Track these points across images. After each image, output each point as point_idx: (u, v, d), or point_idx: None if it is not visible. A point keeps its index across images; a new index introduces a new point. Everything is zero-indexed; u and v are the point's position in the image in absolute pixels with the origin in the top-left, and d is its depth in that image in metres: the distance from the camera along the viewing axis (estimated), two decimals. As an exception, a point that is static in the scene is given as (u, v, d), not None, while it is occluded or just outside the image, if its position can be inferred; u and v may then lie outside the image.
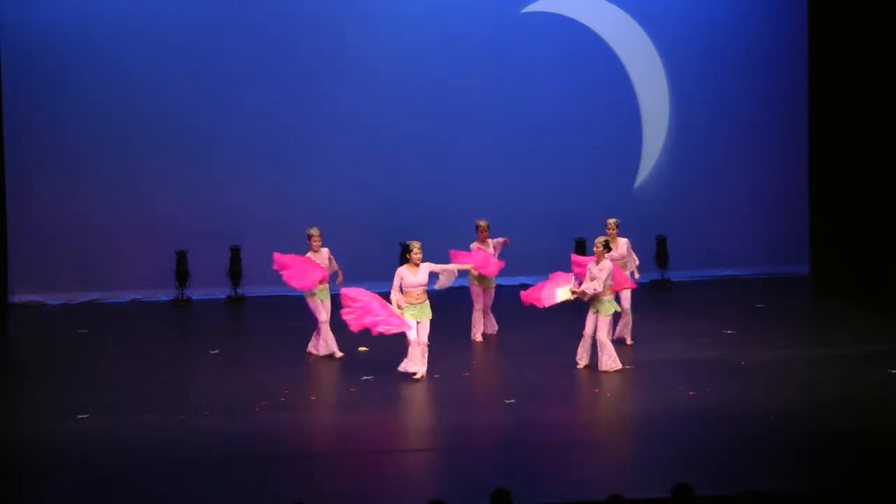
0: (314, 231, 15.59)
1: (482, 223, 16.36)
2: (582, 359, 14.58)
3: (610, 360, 14.39)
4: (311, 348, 15.61)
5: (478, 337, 16.33)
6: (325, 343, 15.46)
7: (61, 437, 12.25)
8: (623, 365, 14.52)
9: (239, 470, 11.23)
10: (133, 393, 13.86)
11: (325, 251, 15.60)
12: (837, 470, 10.87)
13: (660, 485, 9.90)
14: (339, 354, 15.37)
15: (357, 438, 12.56)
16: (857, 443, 11.68)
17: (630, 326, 15.65)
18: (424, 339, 14.32)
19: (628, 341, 15.58)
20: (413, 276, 14.27)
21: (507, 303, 16.77)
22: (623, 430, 12.47)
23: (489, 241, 16.35)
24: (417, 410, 13.49)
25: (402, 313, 14.18)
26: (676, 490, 8.58)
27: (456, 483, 10.89)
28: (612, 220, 15.71)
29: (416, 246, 14.39)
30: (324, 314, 15.44)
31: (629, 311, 15.57)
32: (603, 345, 14.40)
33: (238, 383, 14.25)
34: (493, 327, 16.58)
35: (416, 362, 14.23)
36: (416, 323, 14.27)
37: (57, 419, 12.85)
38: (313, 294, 15.42)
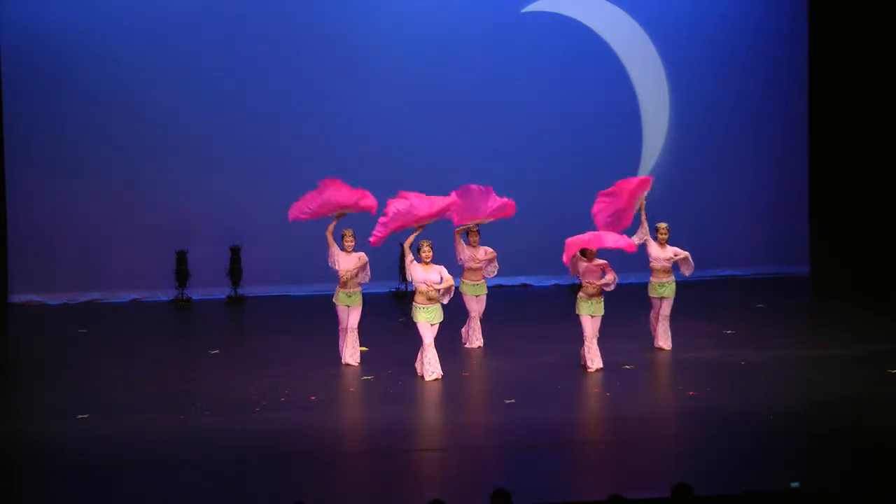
0: (348, 231, 15.02)
1: (473, 227, 15.83)
2: (594, 362, 14.54)
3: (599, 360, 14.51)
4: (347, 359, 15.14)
5: (474, 345, 15.93)
6: (344, 349, 15.02)
7: (61, 437, 12.25)
8: (623, 365, 14.54)
9: (239, 470, 11.22)
10: (133, 393, 13.86)
11: (355, 255, 14.96)
12: (837, 470, 10.87)
13: (660, 485, 9.90)
14: (353, 363, 14.94)
15: (357, 438, 12.57)
16: (857, 443, 11.68)
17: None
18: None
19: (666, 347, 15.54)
20: (424, 273, 14.25)
21: (507, 302, 16.74)
22: (623, 430, 12.46)
23: (480, 247, 15.83)
24: (417, 411, 13.48)
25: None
26: (676, 490, 8.58)
27: (456, 483, 10.89)
28: (662, 225, 15.62)
29: (425, 245, 14.34)
30: (344, 321, 14.95)
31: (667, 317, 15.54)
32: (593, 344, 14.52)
33: (238, 383, 14.24)
34: (479, 341, 15.98)
35: (436, 365, 14.20)
36: (430, 325, 14.25)
37: (57, 419, 12.84)
38: (349, 295, 14.91)
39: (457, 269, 15.65)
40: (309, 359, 15.41)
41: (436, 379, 14.13)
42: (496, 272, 15.99)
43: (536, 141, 20.68)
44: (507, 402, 13.28)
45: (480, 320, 16.00)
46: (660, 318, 15.47)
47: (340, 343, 15.13)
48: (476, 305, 15.94)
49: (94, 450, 11.87)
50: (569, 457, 11.60)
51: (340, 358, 15.05)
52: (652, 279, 15.52)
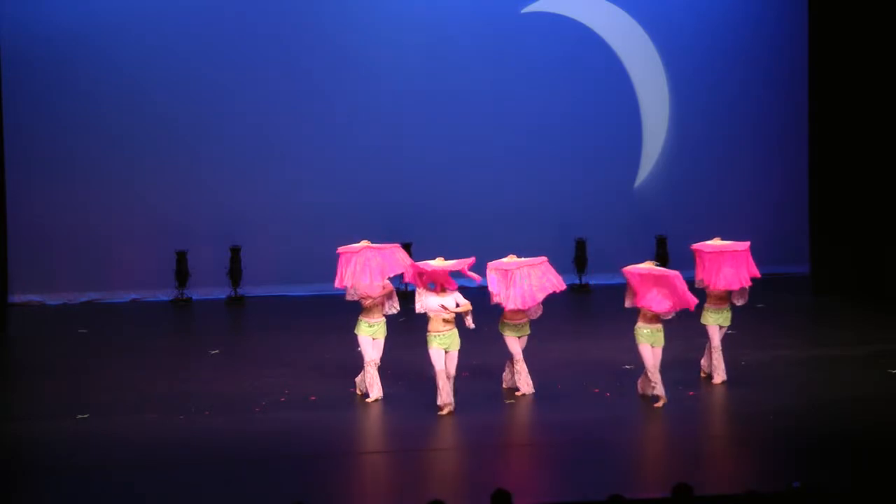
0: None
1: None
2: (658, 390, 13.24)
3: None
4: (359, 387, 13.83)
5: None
6: (365, 383, 13.53)
7: (61, 437, 12.25)
8: (623, 365, 14.55)
9: (239, 470, 11.23)
10: (133, 393, 13.86)
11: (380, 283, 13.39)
12: (837, 470, 10.87)
13: (660, 485, 9.91)
14: (371, 399, 13.44)
15: (357, 438, 12.56)
16: (857, 443, 11.68)
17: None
18: (452, 371, 12.98)
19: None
20: (436, 296, 12.92)
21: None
22: (623, 430, 12.46)
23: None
24: (417, 411, 13.47)
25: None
26: (676, 490, 8.58)
27: (456, 483, 10.89)
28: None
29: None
30: (371, 353, 13.46)
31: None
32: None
33: (238, 383, 14.25)
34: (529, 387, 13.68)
35: (446, 395, 12.89)
36: (443, 352, 12.89)
37: (57, 419, 12.85)
38: (371, 325, 13.48)
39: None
40: (309, 358, 15.41)
41: (444, 411, 12.89)
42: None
43: (536, 141, 20.66)
44: (508, 402, 13.28)
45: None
46: (714, 348, 14.02)
47: (364, 378, 13.65)
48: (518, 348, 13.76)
49: (94, 450, 11.88)
50: (569, 457, 11.60)
51: (339, 358, 14.96)
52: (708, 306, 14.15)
